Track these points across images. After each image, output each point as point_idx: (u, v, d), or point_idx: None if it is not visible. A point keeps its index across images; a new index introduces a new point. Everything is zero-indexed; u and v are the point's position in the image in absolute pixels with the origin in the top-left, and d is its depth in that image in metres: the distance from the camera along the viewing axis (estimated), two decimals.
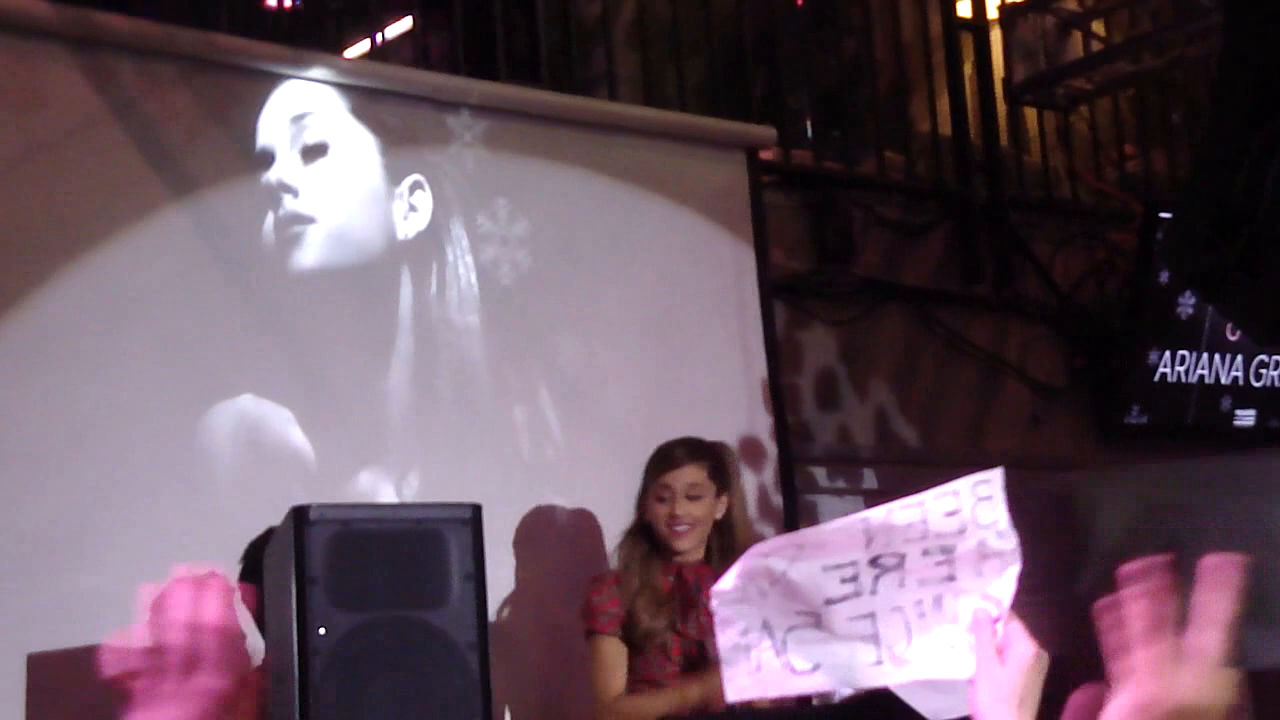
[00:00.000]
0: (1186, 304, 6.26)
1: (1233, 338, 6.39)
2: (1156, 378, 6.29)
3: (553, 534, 4.66)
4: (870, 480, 5.78)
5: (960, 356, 6.13)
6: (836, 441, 5.77)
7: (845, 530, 1.76)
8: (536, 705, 4.50)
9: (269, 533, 3.65)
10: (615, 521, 4.05)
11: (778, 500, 5.17)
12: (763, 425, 5.20)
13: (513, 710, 4.33)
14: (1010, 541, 1.65)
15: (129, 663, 1.22)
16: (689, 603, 3.89)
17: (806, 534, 1.82)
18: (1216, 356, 6.41)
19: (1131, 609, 1.25)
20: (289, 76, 4.51)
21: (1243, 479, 1.14)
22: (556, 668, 4.58)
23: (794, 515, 5.19)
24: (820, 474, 5.67)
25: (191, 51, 4.34)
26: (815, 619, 1.78)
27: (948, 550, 1.70)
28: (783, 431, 5.26)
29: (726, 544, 3.90)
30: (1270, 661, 1.21)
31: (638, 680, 3.90)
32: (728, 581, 1.85)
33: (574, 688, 4.52)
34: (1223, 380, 6.46)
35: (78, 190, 4.16)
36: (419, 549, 2.39)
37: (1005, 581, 1.64)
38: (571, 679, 4.53)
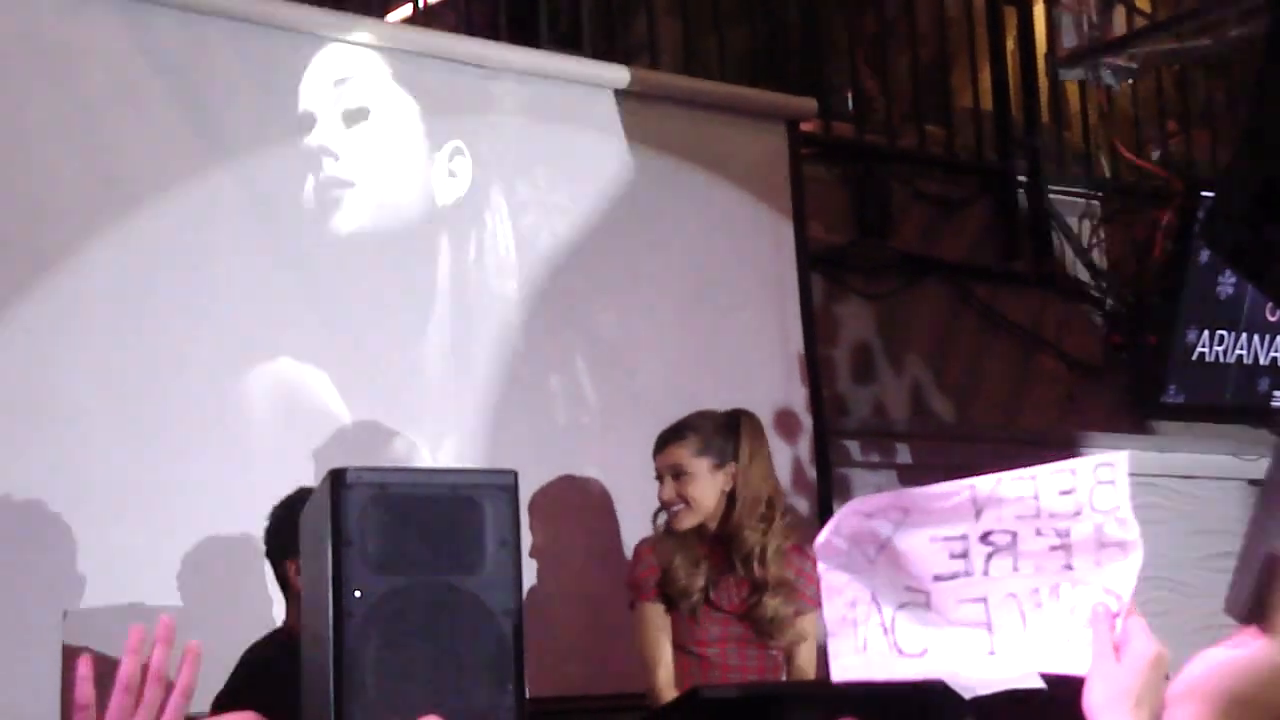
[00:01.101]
0: (1226, 283, 6.21)
1: (1272, 318, 6.34)
2: (1194, 357, 6.25)
3: (587, 502, 4.68)
4: (905, 455, 5.77)
5: (997, 332, 6.11)
6: (871, 415, 5.77)
7: (951, 497, 1.70)
8: (569, 672, 4.52)
9: (297, 493, 3.67)
10: (650, 490, 4.06)
11: (812, 473, 5.17)
12: (798, 398, 5.20)
13: (541, 675, 4.35)
14: (1132, 531, 1.60)
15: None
16: (721, 570, 3.90)
17: (909, 495, 1.75)
18: (1255, 337, 6.36)
19: None
20: (331, 40, 4.51)
21: None
22: (589, 635, 4.60)
23: (828, 489, 5.19)
24: (854, 448, 5.67)
25: (235, 13, 4.35)
26: (925, 597, 1.72)
27: (1062, 534, 1.64)
28: (818, 404, 5.25)
29: (740, 513, 3.91)
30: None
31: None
32: (834, 541, 1.79)
33: (606, 654, 4.55)
34: (1261, 361, 6.42)
35: (119, 151, 4.17)
36: (456, 514, 2.39)
37: (1126, 573, 1.59)
38: (604, 646, 4.56)
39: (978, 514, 1.68)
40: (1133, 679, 1.46)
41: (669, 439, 4.01)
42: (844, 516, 1.79)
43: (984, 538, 1.68)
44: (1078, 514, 1.61)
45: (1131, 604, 1.57)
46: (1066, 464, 1.62)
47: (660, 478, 3.99)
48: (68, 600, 3.89)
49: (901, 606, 1.74)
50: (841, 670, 1.78)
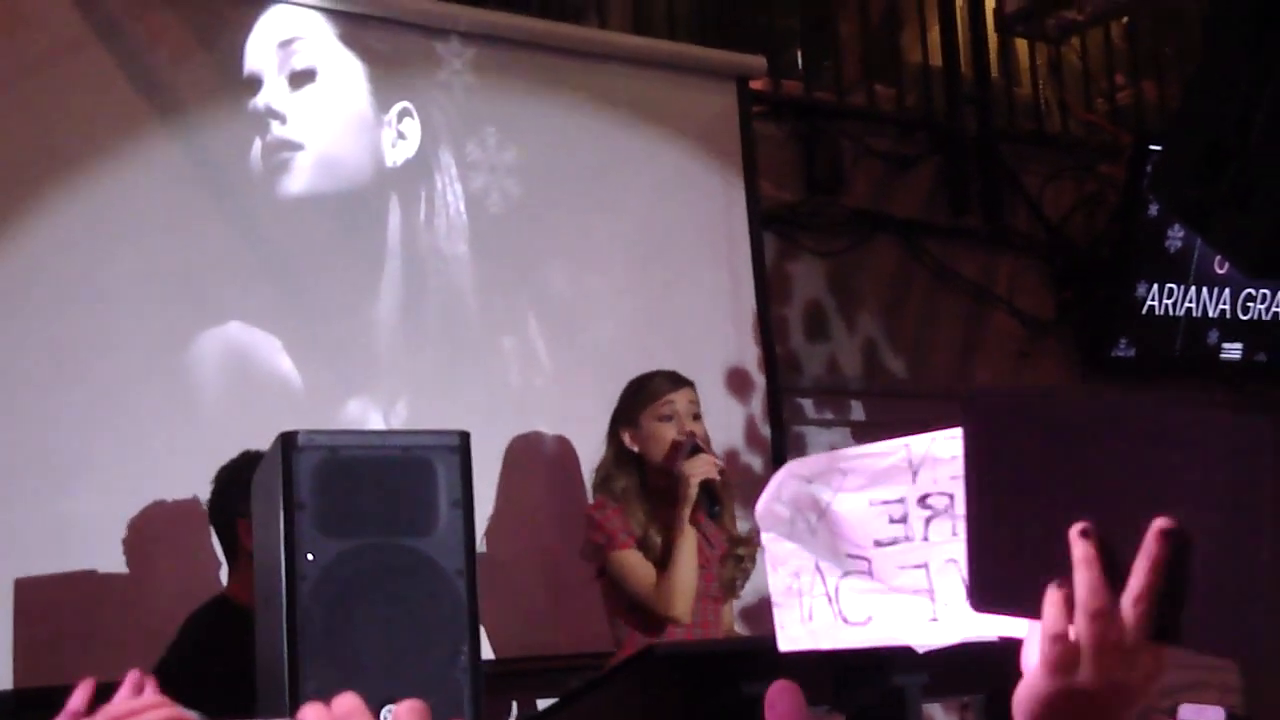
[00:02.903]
0: (1175, 237, 6.25)
1: (1221, 271, 6.39)
2: (1144, 310, 6.30)
3: (540, 462, 4.68)
4: (858, 412, 5.79)
5: (949, 289, 6.13)
6: (825, 373, 5.78)
7: (887, 456, 1.70)
8: (522, 631, 4.53)
9: (241, 457, 3.65)
10: (600, 448, 4.05)
11: (766, 431, 5.18)
12: (751, 356, 5.21)
13: (499, 635, 4.35)
14: None
15: None
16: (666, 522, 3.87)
17: (846, 456, 1.74)
18: (1204, 289, 6.41)
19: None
20: (276, 1, 4.47)
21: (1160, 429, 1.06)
22: (546, 594, 4.60)
23: (782, 446, 5.21)
24: (808, 405, 5.69)
25: None
26: (867, 564, 1.72)
27: None
28: (771, 362, 5.26)
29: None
30: (1205, 648, 1.10)
31: None
32: (775, 508, 1.78)
33: (563, 614, 4.55)
34: (1210, 313, 6.47)
35: (62, 115, 4.13)
36: (407, 476, 2.39)
37: None
38: (561, 605, 4.56)
39: (914, 475, 1.68)
40: None
41: (686, 379, 3.99)
42: (783, 481, 1.79)
43: (921, 500, 1.68)
44: None
45: None
46: None
47: (666, 415, 3.90)
48: (18, 567, 3.87)
49: (845, 575, 1.74)
50: (788, 641, 1.78)
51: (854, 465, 1.73)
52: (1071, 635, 1.16)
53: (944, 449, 1.66)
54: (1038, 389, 1.29)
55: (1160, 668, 1.17)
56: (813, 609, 1.75)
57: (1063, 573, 1.16)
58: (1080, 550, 1.15)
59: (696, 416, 3.93)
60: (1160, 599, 1.12)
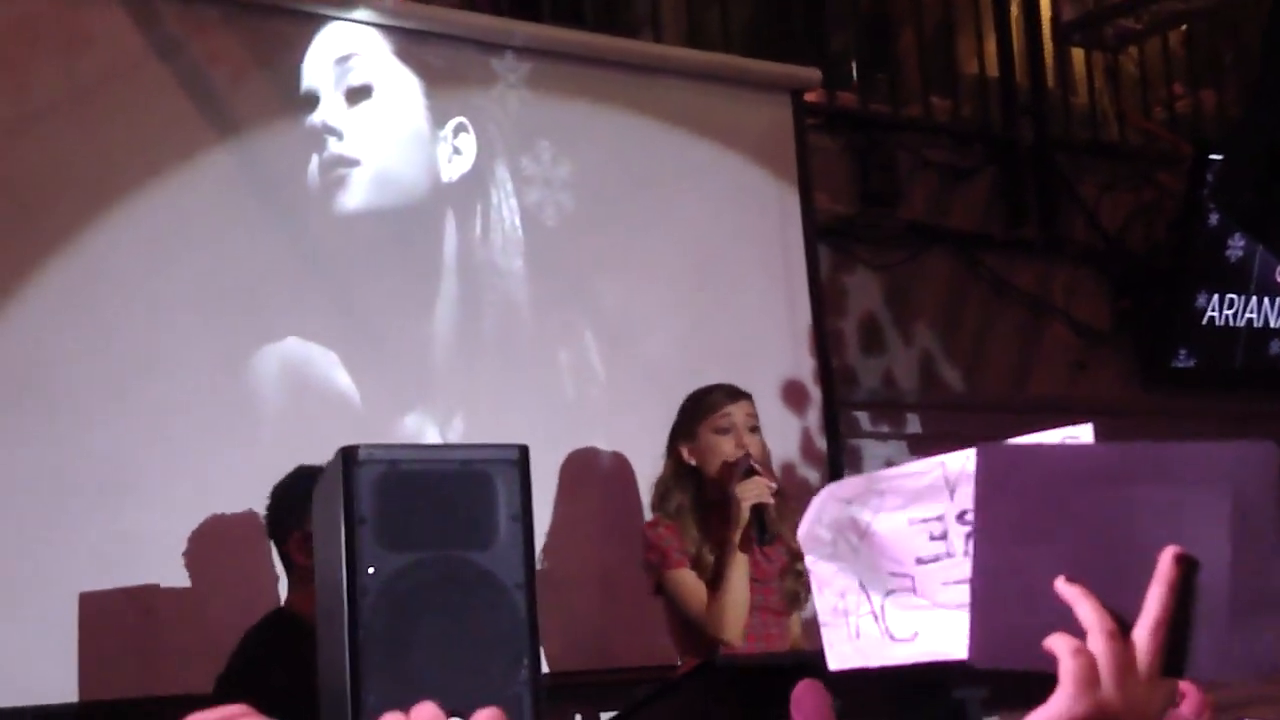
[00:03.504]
0: (1236, 246, 6.19)
1: None
2: (1204, 321, 6.24)
3: (596, 476, 4.68)
4: (914, 425, 5.77)
5: (1005, 300, 6.10)
6: (880, 386, 5.76)
7: (923, 476, 1.70)
8: (581, 645, 4.53)
9: (296, 472, 3.67)
10: (658, 463, 4.05)
11: (821, 444, 5.16)
12: (806, 369, 5.20)
13: (558, 649, 4.35)
14: None
15: None
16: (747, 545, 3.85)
17: (883, 477, 1.74)
18: (1265, 299, 6.35)
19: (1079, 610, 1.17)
20: (333, 18, 4.50)
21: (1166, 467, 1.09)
22: (604, 608, 4.60)
23: (838, 459, 5.19)
24: (864, 418, 5.67)
25: None
26: (910, 581, 1.71)
27: None
28: (827, 376, 5.25)
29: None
30: (1215, 672, 1.13)
31: None
32: (817, 531, 1.79)
33: (621, 627, 4.55)
34: (1271, 323, 6.40)
35: (122, 133, 4.17)
36: (466, 490, 2.38)
37: None
38: (619, 619, 4.56)
39: (952, 492, 1.67)
40: None
41: (744, 392, 3.95)
42: (823, 504, 1.79)
43: (960, 517, 1.68)
44: None
45: None
46: (1034, 437, 1.61)
47: (723, 428, 3.88)
48: (82, 582, 3.90)
49: (889, 593, 1.74)
50: (838, 659, 1.78)
51: (891, 485, 1.73)
52: (1092, 651, 1.15)
53: None
54: (1044, 444, 1.31)
55: (1173, 700, 1.16)
56: (859, 627, 1.76)
57: (1065, 622, 1.17)
58: (1071, 592, 1.17)
59: (754, 429, 3.91)
60: (1175, 628, 1.14)
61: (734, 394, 3.95)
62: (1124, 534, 1.17)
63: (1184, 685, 1.51)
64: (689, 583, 3.82)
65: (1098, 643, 1.15)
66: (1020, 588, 1.21)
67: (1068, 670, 1.15)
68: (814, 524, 1.79)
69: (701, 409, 3.93)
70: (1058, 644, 1.16)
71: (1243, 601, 1.13)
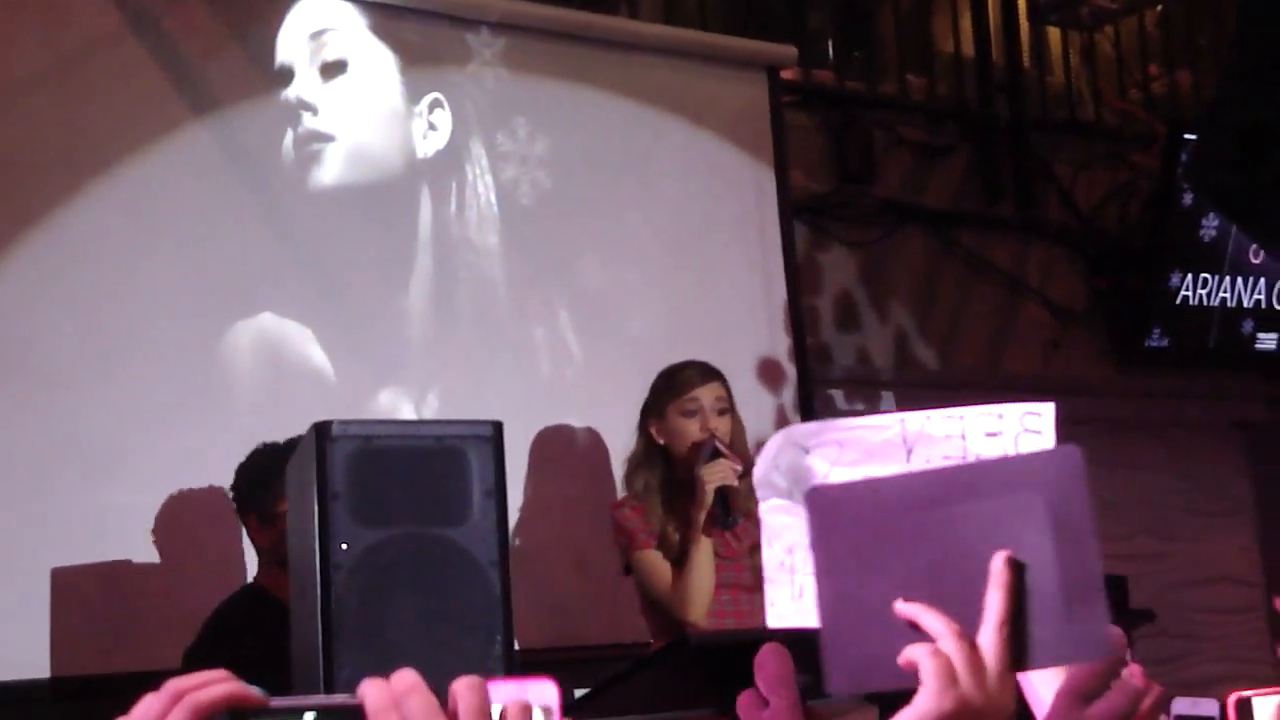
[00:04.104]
0: (1209, 226, 6.22)
1: (1255, 260, 6.35)
2: (1178, 300, 6.26)
3: (571, 454, 4.68)
4: (889, 402, 5.78)
5: (980, 279, 6.11)
6: (856, 364, 5.77)
7: (882, 430, 1.69)
8: (553, 621, 4.53)
9: (261, 449, 3.67)
10: (632, 440, 4.05)
11: (797, 422, 5.17)
12: (782, 347, 5.20)
13: (529, 626, 4.36)
14: None
15: None
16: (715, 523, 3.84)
17: (841, 427, 1.71)
18: (1239, 279, 6.37)
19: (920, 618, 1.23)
20: None
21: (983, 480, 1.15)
22: (578, 584, 4.61)
23: None
24: (839, 396, 5.68)
25: None
26: None
27: None
28: (802, 353, 5.25)
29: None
30: (1054, 660, 1.24)
31: None
32: (773, 477, 1.75)
33: (595, 604, 4.56)
34: (1245, 303, 6.43)
35: (96, 108, 4.15)
36: (440, 465, 2.39)
37: None
38: (593, 595, 4.56)
39: (908, 453, 1.67)
40: None
41: (712, 374, 3.91)
42: (780, 448, 1.78)
43: None
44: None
45: None
46: (995, 407, 1.62)
47: (690, 410, 3.87)
48: (54, 558, 3.89)
49: None
50: (777, 618, 1.78)
51: (849, 437, 1.72)
52: (947, 651, 1.21)
53: (938, 427, 1.65)
54: (867, 480, 1.37)
55: (1015, 695, 1.24)
56: (803, 587, 1.75)
57: (911, 640, 1.23)
58: (911, 610, 1.23)
59: (723, 412, 3.88)
60: (1015, 626, 1.21)
61: (706, 374, 3.92)
62: (954, 550, 1.25)
63: (1140, 678, 1.53)
64: (654, 563, 3.82)
65: (949, 644, 1.21)
66: (865, 616, 1.28)
67: (928, 670, 1.20)
68: (770, 469, 1.78)
69: (671, 389, 3.91)
70: (915, 650, 1.22)
71: (1071, 593, 1.21)
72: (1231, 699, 2.37)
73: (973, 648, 1.21)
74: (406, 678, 1.10)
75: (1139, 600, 5.32)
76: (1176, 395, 6.54)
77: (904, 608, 1.24)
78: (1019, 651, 1.22)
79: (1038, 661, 1.23)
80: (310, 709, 1.11)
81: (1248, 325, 6.48)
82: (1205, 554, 6.65)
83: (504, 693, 1.42)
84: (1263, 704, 2.37)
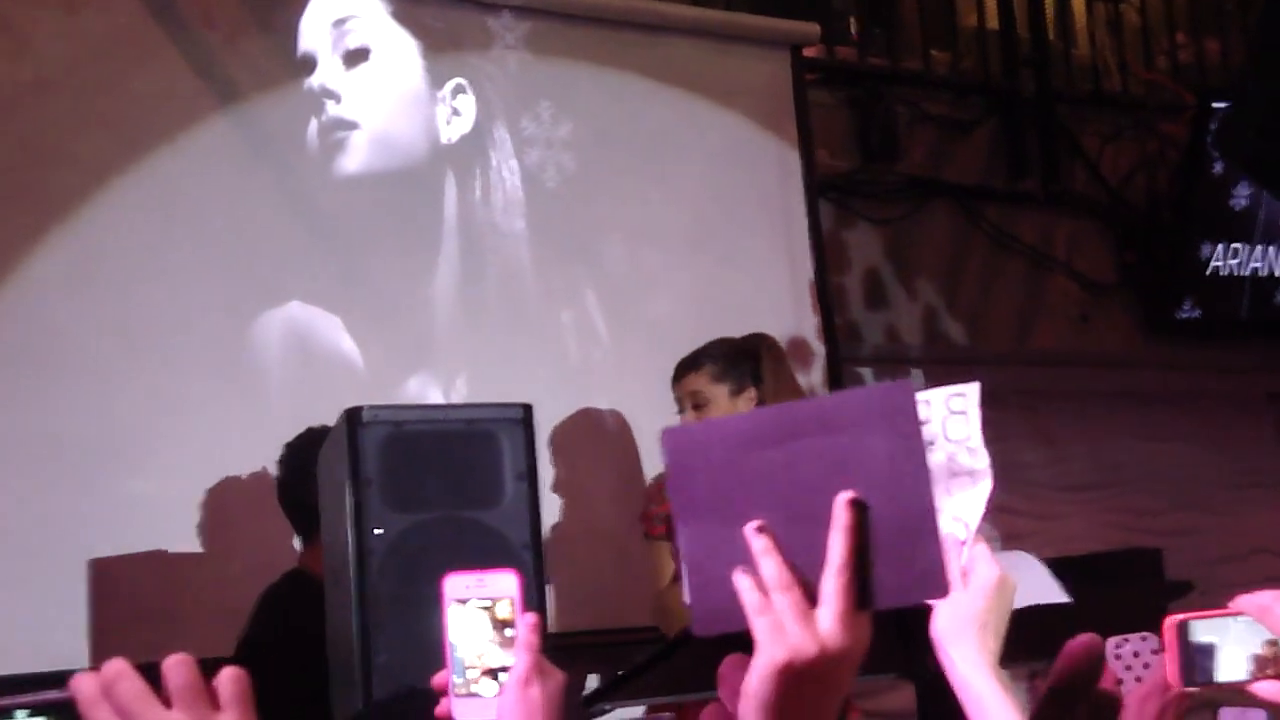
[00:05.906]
0: (1240, 195, 6.17)
1: None
2: (1209, 271, 6.22)
3: (600, 436, 4.68)
4: (919, 379, 5.76)
5: (1008, 253, 6.08)
6: (884, 341, 5.75)
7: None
8: (584, 604, 4.53)
9: (306, 434, 3.67)
10: (661, 422, 4.04)
11: None
12: (810, 325, 5.19)
13: (560, 608, 4.36)
14: (982, 460, 1.57)
15: None
16: None
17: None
18: (1270, 248, 6.32)
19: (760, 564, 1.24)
20: None
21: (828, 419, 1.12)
22: (608, 568, 4.60)
23: None
24: (868, 374, 5.66)
25: None
26: None
27: None
28: (830, 331, 5.24)
29: None
30: (897, 600, 1.24)
31: None
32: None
33: (626, 587, 4.55)
34: (1276, 273, 6.38)
35: (121, 97, 4.16)
36: (472, 449, 2.39)
37: (974, 502, 1.57)
38: (620, 576, 4.56)
39: None
40: (979, 605, 1.49)
41: (686, 367, 3.98)
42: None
43: None
44: (931, 444, 1.60)
45: (979, 533, 1.55)
46: (921, 394, 1.61)
47: (680, 407, 3.96)
48: (90, 549, 3.91)
49: None
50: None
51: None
52: (774, 607, 1.22)
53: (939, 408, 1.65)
54: (720, 419, 1.41)
55: (868, 635, 1.24)
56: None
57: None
58: (758, 544, 1.24)
59: (699, 405, 3.91)
60: (860, 566, 1.22)
61: (681, 368, 3.98)
62: (801, 487, 1.25)
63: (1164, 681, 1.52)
64: (658, 557, 3.93)
65: (776, 600, 1.22)
66: (722, 557, 1.27)
67: (757, 629, 1.23)
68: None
69: (673, 380, 4.00)
70: (746, 605, 1.24)
71: (909, 530, 1.22)
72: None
73: (801, 596, 1.22)
74: (114, 665, 1.12)
75: (1174, 575, 5.29)
76: (1208, 367, 6.49)
77: (753, 537, 1.24)
78: (865, 592, 1.22)
79: (882, 601, 1.23)
80: (21, 706, 1.12)
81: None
82: (1240, 527, 6.61)
83: (460, 584, 1.46)
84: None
